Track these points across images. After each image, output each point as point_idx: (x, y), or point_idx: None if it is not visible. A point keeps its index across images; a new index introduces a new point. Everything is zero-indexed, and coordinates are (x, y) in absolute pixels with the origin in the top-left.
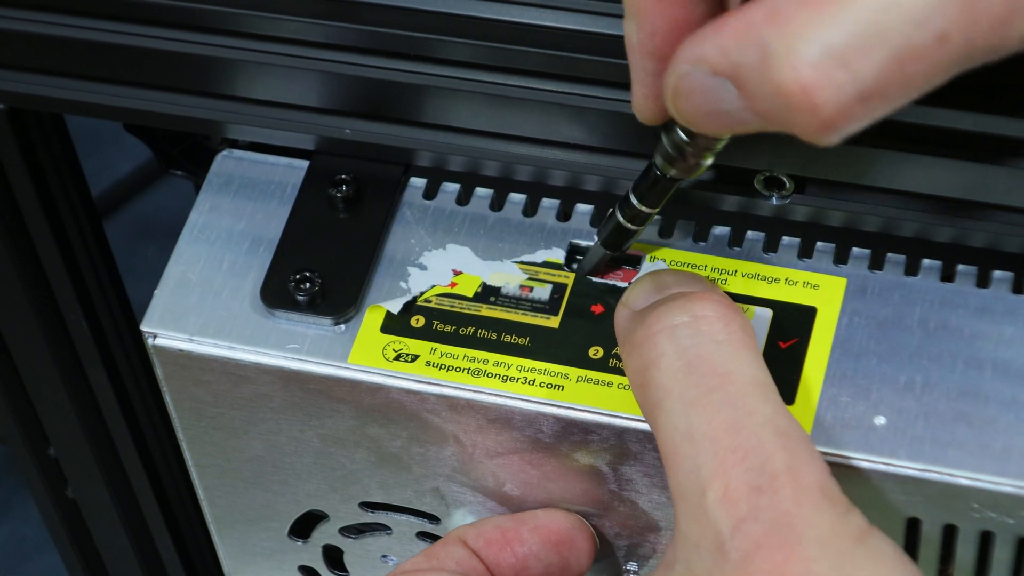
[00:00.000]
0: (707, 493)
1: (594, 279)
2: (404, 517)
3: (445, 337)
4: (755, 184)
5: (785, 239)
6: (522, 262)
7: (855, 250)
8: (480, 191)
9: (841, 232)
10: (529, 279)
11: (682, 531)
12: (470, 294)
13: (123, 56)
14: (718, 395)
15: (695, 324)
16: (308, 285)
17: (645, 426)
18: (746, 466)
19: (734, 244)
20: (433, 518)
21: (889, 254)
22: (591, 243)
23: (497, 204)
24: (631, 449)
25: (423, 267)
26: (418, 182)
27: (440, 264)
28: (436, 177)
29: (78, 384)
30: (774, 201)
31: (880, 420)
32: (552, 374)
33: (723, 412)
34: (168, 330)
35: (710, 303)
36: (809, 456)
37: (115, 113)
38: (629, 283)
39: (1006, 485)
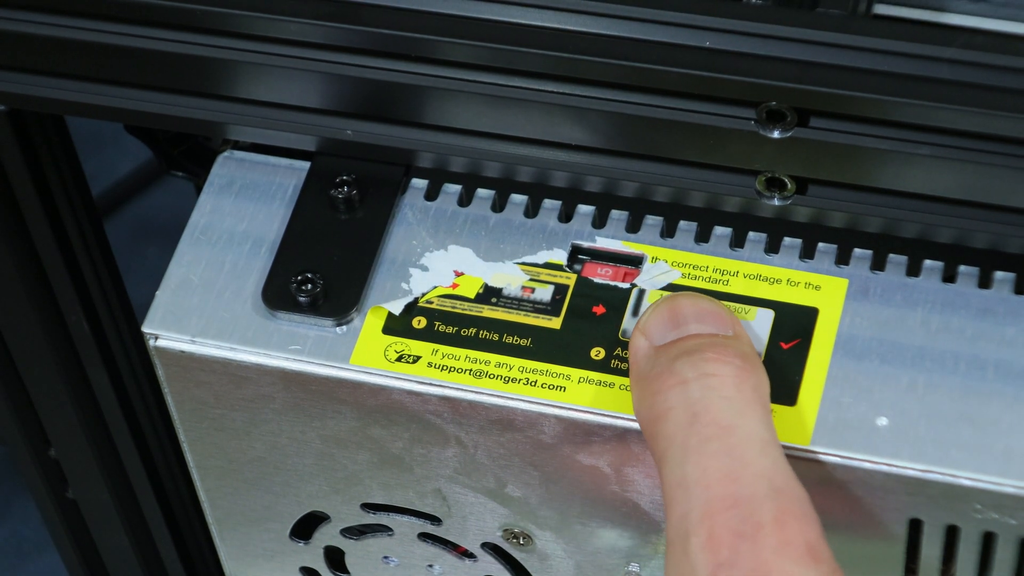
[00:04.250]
0: (691, 538)
1: (595, 280)
2: (406, 518)
3: (447, 338)
4: (757, 185)
5: (787, 240)
6: (524, 263)
7: (857, 251)
8: (481, 192)
9: (842, 233)
10: (531, 280)
11: None
12: (472, 295)
13: (124, 57)
14: (715, 444)
15: (705, 380)
16: (310, 286)
17: None
18: (733, 513)
19: (736, 245)
20: (435, 519)
21: (891, 255)
22: (592, 244)
23: (498, 205)
24: (633, 450)
25: (425, 268)
26: (419, 183)
27: (442, 265)
28: (437, 178)
29: (79, 385)
30: (776, 202)
31: (882, 421)
32: (554, 375)
33: (718, 460)
34: (170, 331)
35: (725, 363)
36: (801, 513)
37: (116, 114)
38: (630, 284)
39: (1008, 486)
